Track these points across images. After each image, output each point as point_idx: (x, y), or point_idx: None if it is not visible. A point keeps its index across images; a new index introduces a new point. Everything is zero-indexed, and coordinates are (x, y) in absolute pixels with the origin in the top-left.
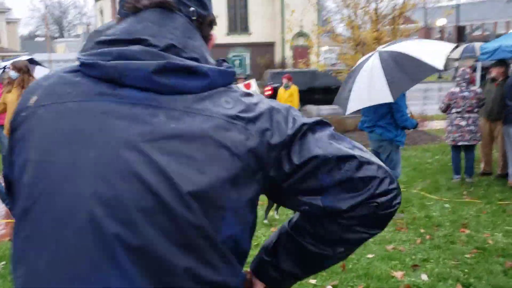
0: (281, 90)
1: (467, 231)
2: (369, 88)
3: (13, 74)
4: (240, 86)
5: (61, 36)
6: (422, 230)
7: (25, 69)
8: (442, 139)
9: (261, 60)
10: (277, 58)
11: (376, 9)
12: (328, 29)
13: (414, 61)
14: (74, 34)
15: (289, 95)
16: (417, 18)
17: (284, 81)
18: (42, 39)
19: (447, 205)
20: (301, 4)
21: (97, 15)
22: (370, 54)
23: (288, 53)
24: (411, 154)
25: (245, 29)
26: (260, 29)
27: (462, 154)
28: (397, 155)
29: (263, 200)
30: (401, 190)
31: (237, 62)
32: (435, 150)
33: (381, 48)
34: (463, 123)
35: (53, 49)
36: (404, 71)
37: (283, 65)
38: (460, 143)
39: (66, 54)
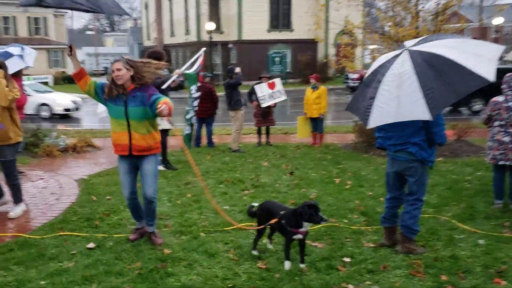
0: (308, 91)
1: (503, 283)
2: (398, 99)
3: None
4: (264, 85)
5: (112, 30)
6: (443, 277)
7: None
8: None
9: (302, 58)
10: (320, 55)
11: (416, 4)
12: (372, 27)
13: (458, 68)
14: (123, 28)
15: (316, 97)
16: (471, 16)
17: (312, 81)
18: (93, 32)
19: (481, 241)
20: (346, 0)
21: (142, 9)
22: (395, 52)
23: (331, 51)
24: (448, 168)
25: (287, 25)
26: (303, 26)
27: (507, 175)
28: (427, 178)
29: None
30: (428, 215)
31: (277, 59)
32: (477, 165)
33: (410, 45)
34: (507, 138)
35: (102, 42)
36: (445, 81)
37: (325, 63)
38: (501, 162)
39: (114, 47)
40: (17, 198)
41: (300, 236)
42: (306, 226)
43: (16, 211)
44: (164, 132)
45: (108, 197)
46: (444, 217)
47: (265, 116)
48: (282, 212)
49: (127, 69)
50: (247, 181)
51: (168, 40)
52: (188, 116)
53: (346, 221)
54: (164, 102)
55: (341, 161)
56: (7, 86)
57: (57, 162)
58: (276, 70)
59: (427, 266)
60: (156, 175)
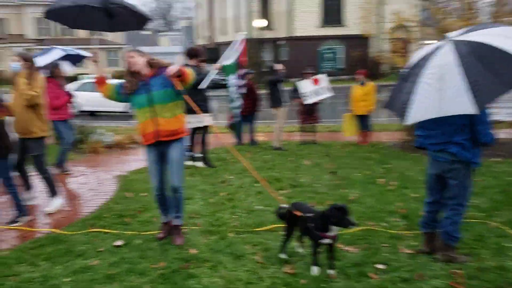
0: (355, 88)
1: None
2: (440, 93)
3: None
4: (308, 82)
5: (168, 30)
6: None
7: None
8: None
9: (354, 54)
10: (373, 51)
11: None
12: (426, 21)
13: (507, 57)
14: (178, 28)
15: (364, 93)
16: None
17: (359, 77)
18: (149, 32)
19: None
20: None
21: (195, 8)
22: (437, 44)
23: (386, 47)
24: (503, 169)
25: (339, 21)
26: (355, 21)
27: None
28: (471, 181)
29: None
30: (476, 220)
31: (328, 56)
32: None
33: (454, 36)
34: None
35: (157, 42)
36: (493, 72)
37: (378, 59)
38: None
39: (169, 47)
40: (52, 191)
41: (328, 241)
42: (335, 230)
43: (51, 205)
44: (204, 129)
45: (143, 194)
46: (494, 222)
47: (309, 113)
48: (309, 215)
49: (141, 56)
50: (285, 180)
51: (219, 38)
52: (234, 105)
53: (384, 224)
54: (181, 67)
55: (387, 161)
56: (29, 84)
57: (101, 159)
58: (327, 66)
59: (470, 277)
60: (182, 163)
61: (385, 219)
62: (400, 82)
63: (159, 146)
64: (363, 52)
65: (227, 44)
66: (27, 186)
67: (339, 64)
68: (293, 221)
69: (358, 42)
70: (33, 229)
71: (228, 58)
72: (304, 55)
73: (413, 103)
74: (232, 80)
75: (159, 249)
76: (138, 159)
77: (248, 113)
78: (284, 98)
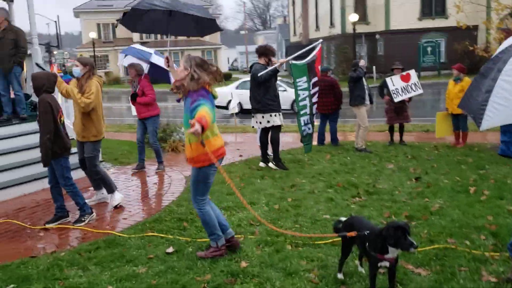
0: (450, 84)
1: None
2: None
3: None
4: (397, 78)
5: (264, 28)
6: None
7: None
8: None
9: (459, 47)
10: (480, 43)
11: None
12: None
13: None
14: (274, 26)
15: (459, 90)
16: None
17: (455, 72)
18: (245, 32)
19: None
20: None
21: (289, 6)
22: None
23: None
24: None
25: (441, 12)
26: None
27: None
28: None
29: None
30: None
31: (429, 49)
32: None
33: None
34: None
35: (254, 41)
36: None
37: (486, 51)
38: None
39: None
40: (109, 189)
41: (386, 264)
42: (394, 252)
43: (113, 200)
44: (276, 129)
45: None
46: None
47: (398, 112)
48: (365, 233)
49: (186, 68)
50: (361, 186)
51: (312, 34)
52: (303, 112)
53: (467, 243)
54: (198, 119)
55: (484, 166)
56: (83, 90)
57: (178, 158)
58: (428, 61)
59: None
60: (196, 185)
61: (469, 237)
62: (478, 77)
63: None
64: (470, 45)
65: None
66: (96, 186)
67: (441, 58)
68: (350, 237)
69: (463, 33)
70: (93, 230)
71: (300, 58)
72: (402, 49)
73: (489, 105)
74: (300, 83)
75: (210, 260)
76: None
77: (330, 111)
78: (366, 96)
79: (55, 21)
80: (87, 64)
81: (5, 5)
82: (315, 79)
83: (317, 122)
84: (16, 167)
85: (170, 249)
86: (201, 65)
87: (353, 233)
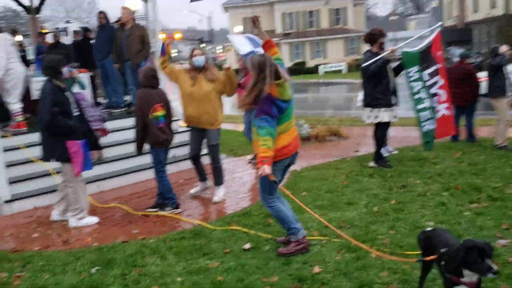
0: None
1: None
2: None
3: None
4: None
5: (418, 12)
6: None
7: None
8: None
9: None
10: None
11: None
12: None
13: None
14: (428, 10)
15: None
16: None
17: None
18: (396, 17)
19: None
20: None
21: None
22: None
23: None
24: None
25: None
26: None
27: None
28: None
29: None
30: None
31: None
32: None
33: None
34: None
35: (406, 27)
36: None
37: None
38: None
39: (414, 31)
40: (219, 180)
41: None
42: (471, 276)
43: (218, 195)
44: (383, 126)
45: (303, 193)
46: None
47: None
48: (442, 250)
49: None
50: (486, 190)
51: (470, 17)
52: (420, 107)
53: None
54: (259, 161)
55: None
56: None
57: None
58: None
59: None
60: (262, 183)
61: None
62: None
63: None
64: None
65: (478, 23)
66: (202, 178)
67: None
68: (430, 251)
69: None
70: (185, 220)
71: (413, 45)
72: None
73: None
74: (411, 73)
75: (283, 260)
76: (327, 154)
77: (465, 103)
78: (508, 86)
79: (208, 17)
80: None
81: (141, 3)
82: (436, 66)
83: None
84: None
85: (248, 245)
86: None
87: (431, 257)
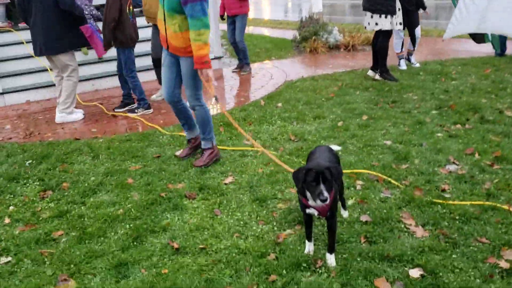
0: None
1: None
2: None
3: None
4: None
5: None
6: None
7: None
8: None
9: None
10: None
11: None
12: None
13: None
14: None
15: None
16: None
17: None
18: None
19: None
20: None
21: None
22: None
23: None
24: None
25: None
26: None
27: None
28: None
29: None
30: None
31: None
32: None
33: None
34: None
35: None
36: None
37: None
38: None
39: None
40: None
41: (313, 212)
42: (313, 200)
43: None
44: (385, 34)
45: (279, 104)
46: None
47: None
48: (301, 168)
49: None
50: (483, 111)
51: None
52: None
53: None
54: (198, 63)
55: None
56: None
57: (307, 60)
58: None
59: None
60: (195, 77)
61: None
62: None
63: (172, 54)
64: None
65: None
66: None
67: None
68: None
69: None
70: (145, 122)
71: None
72: None
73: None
74: None
75: (202, 169)
76: (344, 64)
77: None
78: None
79: None
80: None
81: None
82: None
83: None
84: None
85: (179, 152)
86: None
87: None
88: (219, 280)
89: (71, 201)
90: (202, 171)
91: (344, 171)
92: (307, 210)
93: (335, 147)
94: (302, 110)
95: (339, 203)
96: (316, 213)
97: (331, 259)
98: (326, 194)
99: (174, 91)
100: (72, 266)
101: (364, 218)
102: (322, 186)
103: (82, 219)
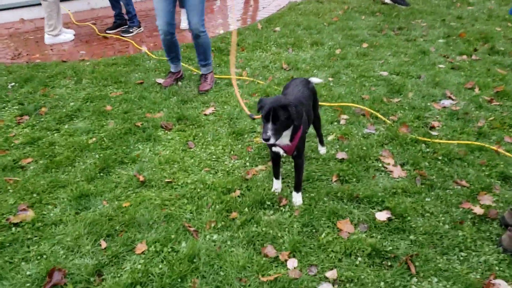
0: None
1: None
2: None
3: None
4: None
5: None
6: None
7: None
8: None
9: None
10: None
11: None
12: None
13: None
14: None
15: None
16: None
17: None
18: None
19: None
20: None
21: None
22: None
23: None
24: None
25: None
26: None
27: None
28: None
29: None
30: None
31: None
32: None
33: None
34: None
35: None
36: None
37: None
38: None
39: None
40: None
41: (278, 150)
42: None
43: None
44: None
45: (277, 28)
46: None
47: None
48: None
49: None
50: (495, 40)
51: None
52: None
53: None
54: None
55: None
56: None
57: None
58: None
59: None
60: (203, 3)
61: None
62: None
63: None
64: None
65: None
66: None
67: None
68: None
69: None
70: (135, 45)
71: None
72: None
73: None
74: None
75: (185, 99)
76: None
77: None
78: None
79: None
80: None
81: None
82: None
83: None
84: None
85: (161, 80)
86: None
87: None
88: (179, 216)
89: (45, 128)
90: (184, 100)
91: (329, 104)
92: (273, 148)
93: (316, 80)
94: (300, 36)
95: (317, 139)
96: (281, 151)
97: (296, 197)
98: (269, 133)
99: (172, 23)
100: (34, 195)
101: (340, 155)
102: (269, 125)
103: (53, 146)
